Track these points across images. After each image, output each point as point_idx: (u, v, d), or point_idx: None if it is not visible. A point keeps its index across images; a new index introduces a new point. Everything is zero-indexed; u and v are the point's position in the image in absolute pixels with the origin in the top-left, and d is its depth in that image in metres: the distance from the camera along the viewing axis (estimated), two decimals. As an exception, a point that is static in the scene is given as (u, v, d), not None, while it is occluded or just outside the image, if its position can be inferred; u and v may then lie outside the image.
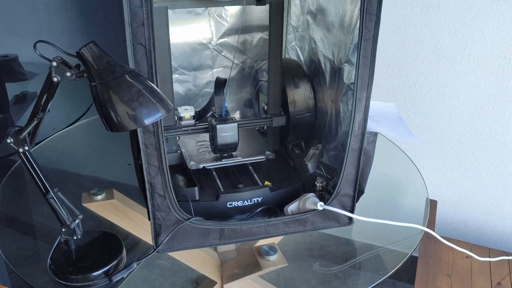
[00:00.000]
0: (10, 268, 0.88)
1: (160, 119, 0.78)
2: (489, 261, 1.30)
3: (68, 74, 0.70)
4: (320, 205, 0.92)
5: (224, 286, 0.93)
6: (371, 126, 0.94)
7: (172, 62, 1.22)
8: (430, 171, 1.54)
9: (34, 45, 0.69)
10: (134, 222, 1.05)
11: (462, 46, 1.36)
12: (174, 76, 1.24)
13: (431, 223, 1.33)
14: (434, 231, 1.36)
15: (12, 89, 1.68)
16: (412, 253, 0.97)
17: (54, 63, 0.70)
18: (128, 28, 0.71)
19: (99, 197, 1.09)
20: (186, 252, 0.92)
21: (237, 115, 1.34)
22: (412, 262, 1.27)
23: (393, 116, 1.03)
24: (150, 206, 0.85)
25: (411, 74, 1.45)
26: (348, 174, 0.93)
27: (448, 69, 1.40)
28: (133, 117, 0.68)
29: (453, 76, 1.41)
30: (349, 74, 0.92)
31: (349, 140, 0.89)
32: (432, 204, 1.45)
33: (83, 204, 1.07)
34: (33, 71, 1.75)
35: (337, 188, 0.93)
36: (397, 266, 0.96)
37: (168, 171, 0.83)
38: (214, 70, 1.27)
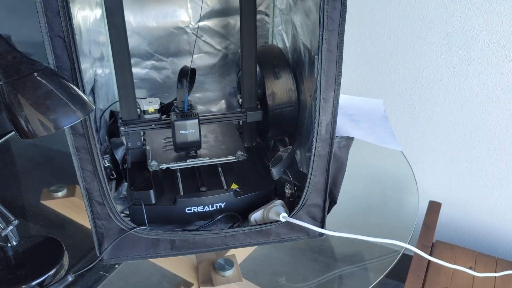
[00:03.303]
0: None
1: (89, 120, 0.70)
2: (494, 276, 1.17)
3: (-27, 71, 0.62)
4: (283, 217, 0.82)
5: (200, 288, 0.85)
6: (345, 128, 0.83)
7: (147, 48, 1.14)
8: (437, 169, 1.42)
9: None
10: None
11: (476, 31, 1.21)
12: (150, 62, 1.15)
13: (430, 229, 1.21)
14: (433, 236, 1.24)
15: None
16: (391, 267, 0.86)
17: (-41, 58, 0.61)
18: (43, 18, 0.62)
19: (59, 193, 1.03)
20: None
21: (222, 105, 1.24)
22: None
23: (377, 115, 0.90)
24: (89, 214, 0.78)
25: (418, 62, 1.31)
26: (316, 183, 0.82)
27: (459, 57, 1.26)
28: (42, 122, 0.59)
29: (465, 65, 1.26)
30: (317, 68, 0.80)
31: (314, 145, 0.78)
32: (435, 207, 1.32)
33: (41, 201, 1.01)
34: (28, 51, 1.70)
35: (303, 197, 0.82)
36: (381, 276, 0.85)
37: (105, 176, 0.75)
38: (194, 56, 1.17)
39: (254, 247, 0.90)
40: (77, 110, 0.61)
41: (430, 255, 1.20)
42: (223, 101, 1.24)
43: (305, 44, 0.92)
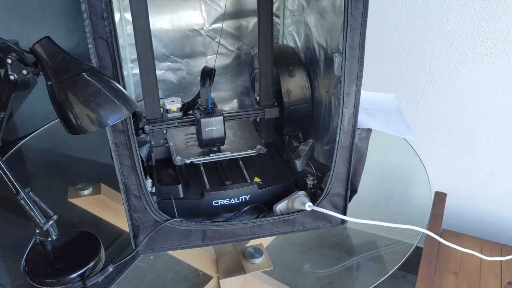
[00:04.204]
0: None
1: (130, 117, 0.74)
2: (500, 260, 1.22)
3: (25, 72, 0.66)
4: (308, 206, 0.87)
5: (220, 281, 0.89)
6: (364, 120, 0.88)
7: (163, 50, 1.18)
8: (441, 161, 1.46)
9: (-12, 41, 0.65)
10: (123, 217, 1.00)
11: (475, 28, 1.27)
12: (166, 64, 1.19)
13: (438, 218, 1.26)
14: (441, 225, 1.29)
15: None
16: (414, 247, 0.91)
17: (9, 60, 0.65)
18: (87, 21, 0.66)
19: (85, 192, 1.06)
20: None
21: (234, 104, 1.28)
22: (421, 254, 1.21)
23: (391, 109, 0.95)
24: (126, 207, 0.82)
25: (420, 60, 1.36)
26: (338, 173, 0.86)
27: (460, 54, 1.31)
28: (92, 119, 0.63)
29: (465, 62, 1.31)
30: (338, 65, 0.85)
31: (338, 137, 0.82)
32: (441, 197, 1.37)
33: (69, 200, 1.04)
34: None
35: (327, 187, 0.87)
36: (398, 264, 0.90)
37: (142, 171, 0.78)
38: (208, 57, 1.21)
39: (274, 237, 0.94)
40: (123, 107, 0.65)
41: (439, 243, 1.25)
42: (235, 100, 1.28)
43: (320, 43, 0.97)
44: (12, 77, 0.66)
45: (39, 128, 1.35)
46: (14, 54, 0.65)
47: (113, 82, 0.66)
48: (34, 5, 1.66)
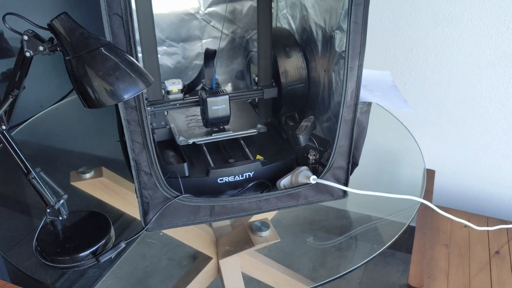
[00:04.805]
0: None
1: (142, 93, 0.75)
2: (487, 230, 1.28)
3: (41, 48, 0.67)
4: (313, 179, 0.90)
5: (219, 261, 0.91)
6: (364, 95, 0.91)
7: (159, 34, 1.19)
8: (428, 140, 1.52)
9: (3, 18, 0.65)
10: (125, 200, 1.03)
11: (460, 10, 1.31)
12: (162, 48, 1.20)
13: (428, 193, 1.31)
14: (431, 201, 1.34)
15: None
16: (409, 223, 0.95)
17: (25, 37, 0.66)
18: (103, -3, 0.67)
19: (87, 175, 1.06)
20: (180, 228, 0.90)
21: (228, 88, 1.30)
22: (410, 232, 1.26)
23: (387, 85, 0.99)
24: (136, 184, 0.83)
25: (407, 41, 1.41)
26: (341, 146, 0.90)
27: (445, 35, 1.36)
28: (111, 92, 0.64)
29: (451, 42, 1.36)
30: (340, 41, 0.88)
31: (341, 111, 0.85)
32: (430, 174, 1.42)
33: (72, 183, 1.04)
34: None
35: (330, 161, 0.90)
36: (394, 238, 0.94)
37: (153, 147, 0.80)
38: (204, 41, 1.23)
39: (275, 212, 0.97)
40: (140, 81, 0.66)
41: (431, 216, 1.30)
42: (230, 84, 1.30)
43: (318, 23, 1.00)
44: (28, 54, 0.67)
45: (33, 116, 1.34)
46: (31, 31, 0.66)
47: (129, 56, 0.67)
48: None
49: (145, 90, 1.06)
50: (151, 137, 0.79)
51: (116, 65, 0.64)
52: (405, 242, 1.65)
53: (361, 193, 0.91)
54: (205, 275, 0.96)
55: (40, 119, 1.34)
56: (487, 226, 1.30)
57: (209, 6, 1.18)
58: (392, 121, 1.32)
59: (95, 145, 1.26)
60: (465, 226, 1.30)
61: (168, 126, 1.05)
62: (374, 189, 0.93)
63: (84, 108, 0.67)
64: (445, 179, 1.55)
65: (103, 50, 0.64)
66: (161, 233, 0.90)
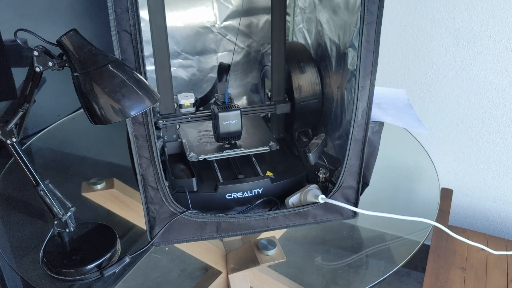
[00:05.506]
0: (5, 260, 0.88)
1: (151, 109, 0.75)
2: (506, 255, 1.24)
3: (50, 64, 0.67)
4: (321, 198, 0.88)
5: (229, 276, 0.90)
6: (377, 114, 0.89)
7: (175, 47, 1.19)
8: (447, 158, 1.48)
9: (15, 34, 0.66)
10: (134, 212, 1.03)
11: (482, 26, 1.28)
12: (177, 61, 1.20)
13: (445, 213, 1.28)
14: (447, 221, 1.31)
15: (21, 74, 1.67)
16: (423, 241, 0.93)
17: (36, 53, 0.67)
18: (112, 14, 0.68)
19: (98, 186, 1.07)
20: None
21: (243, 101, 1.30)
22: (426, 251, 1.23)
23: (402, 103, 0.97)
24: (143, 199, 0.83)
25: (427, 57, 1.38)
26: (351, 166, 0.88)
27: (466, 51, 1.33)
28: (117, 109, 0.65)
29: (472, 59, 1.33)
30: (352, 59, 0.87)
31: (351, 130, 0.84)
32: (447, 194, 1.39)
33: (83, 194, 1.05)
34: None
35: (339, 180, 0.88)
36: (407, 258, 0.91)
37: (160, 163, 0.80)
38: (219, 54, 1.23)
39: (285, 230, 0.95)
40: (146, 98, 0.66)
41: (446, 238, 1.27)
42: (244, 97, 1.30)
43: (332, 39, 0.99)
44: (38, 69, 0.68)
45: (50, 125, 1.36)
46: (41, 47, 0.67)
47: (137, 74, 0.68)
48: (41, 4, 1.67)
49: (152, 107, 1.07)
50: (158, 153, 0.79)
51: (122, 82, 0.65)
52: (421, 262, 1.61)
53: (370, 214, 0.89)
54: (214, 289, 0.95)
55: (56, 128, 1.36)
56: (506, 250, 1.26)
57: (225, 19, 1.18)
58: (408, 139, 1.29)
59: (109, 155, 1.27)
60: (483, 249, 1.26)
61: (179, 140, 1.05)
62: (387, 208, 0.91)
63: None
64: (464, 199, 1.51)
65: (110, 67, 0.65)
66: (166, 248, 0.90)
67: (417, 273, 1.67)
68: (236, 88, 1.28)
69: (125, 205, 1.06)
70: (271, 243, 0.89)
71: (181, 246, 0.92)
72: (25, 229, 0.98)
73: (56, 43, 0.65)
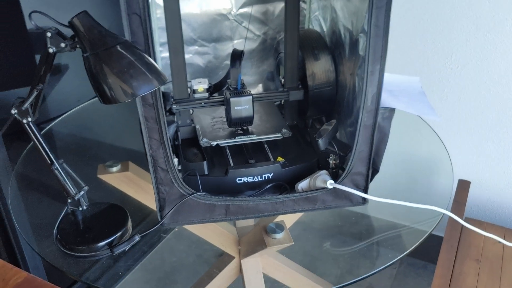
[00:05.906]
0: (22, 236, 0.91)
1: (160, 91, 0.77)
2: (523, 248, 1.22)
3: (63, 45, 0.70)
4: (330, 184, 0.88)
5: (241, 261, 0.92)
6: (388, 101, 0.89)
7: (191, 34, 1.20)
8: (466, 150, 1.46)
9: (29, 15, 0.69)
10: (147, 194, 1.05)
11: (504, 15, 1.25)
12: (193, 47, 1.22)
13: (460, 205, 1.26)
14: (463, 213, 1.29)
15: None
16: (431, 231, 0.92)
17: (49, 34, 0.69)
18: (122, -3, 0.69)
19: (114, 169, 1.09)
20: (205, 226, 0.91)
21: (259, 89, 1.30)
22: (441, 244, 1.21)
23: (415, 91, 0.96)
24: (153, 180, 0.85)
25: (447, 46, 1.35)
26: (360, 152, 0.88)
27: (487, 41, 1.30)
28: (125, 89, 0.66)
29: (493, 48, 1.30)
30: (363, 45, 0.86)
31: (360, 116, 0.84)
32: (464, 185, 1.36)
33: (98, 176, 1.08)
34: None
35: (348, 166, 0.88)
36: (415, 245, 0.91)
37: (170, 144, 0.81)
38: (235, 41, 1.23)
39: (299, 215, 0.96)
40: (154, 79, 0.68)
41: (461, 230, 1.25)
42: (260, 85, 1.30)
43: (346, 26, 0.98)
44: (51, 50, 0.70)
45: (70, 110, 1.40)
46: (54, 28, 0.69)
47: (145, 55, 0.69)
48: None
49: (167, 92, 1.09)
50: (167, 134, 0.80)
51: (130, 63, 0.66)
52: (437, 254, 1.59)
53: (378, 200, 0.89)
54: (227, 274, 0.97)
55: (76, 113, 1.39)
56: (524, 243, 1.23)
57: (241, 7, 1.18)
58: (426, 130, 1.27)
59: (127, 141, 1.30)
60: (500, 241, 1.24)
61: (193, 125, 1.06)
62: (398, 196, 0.90)
63: (118, 104, 0.69)
64: (482, 191, 1.48)
65: (118, 48, 0.66)
66: (176, 229, 0.92)
67: (433, 265, 1.65)
68: (252, 76, 1.28)
69: (139, 187, 1.08)
70: (279, 227, 0.90)
71: (195, 230, 0.94)
72: (43, 209, 1.01)
73: (68, 24, 0.67)
